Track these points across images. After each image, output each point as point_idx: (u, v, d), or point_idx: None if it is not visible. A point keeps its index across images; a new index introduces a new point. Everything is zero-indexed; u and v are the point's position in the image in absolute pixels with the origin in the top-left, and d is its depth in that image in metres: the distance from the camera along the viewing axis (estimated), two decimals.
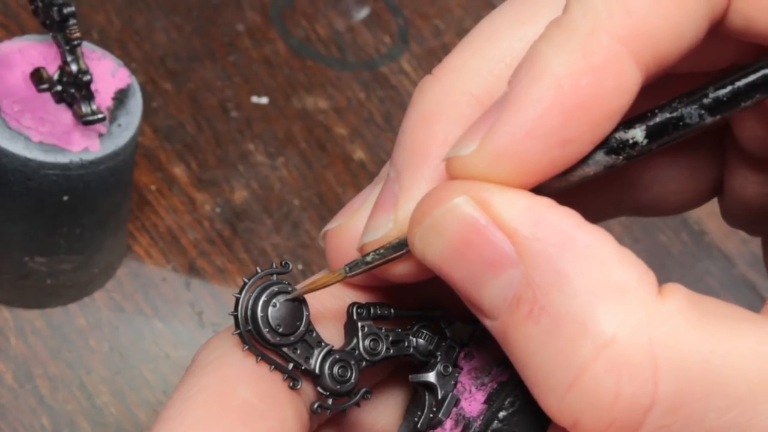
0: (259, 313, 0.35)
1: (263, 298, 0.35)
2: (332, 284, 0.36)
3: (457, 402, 0.36)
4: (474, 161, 0.31)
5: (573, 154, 0.31)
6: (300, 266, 0.82)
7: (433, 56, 0.94)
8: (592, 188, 0.36)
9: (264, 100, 0.89)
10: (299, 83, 0.91)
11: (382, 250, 0.35)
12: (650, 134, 0.31)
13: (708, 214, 0.93)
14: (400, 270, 0.35)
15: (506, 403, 0.35)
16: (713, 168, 0.40)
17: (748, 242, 0.92)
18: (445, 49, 0.94)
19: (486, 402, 0.35)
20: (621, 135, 0.32)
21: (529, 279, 0.30)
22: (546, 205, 0.31)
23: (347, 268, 0.36)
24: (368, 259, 0.35)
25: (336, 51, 0.94)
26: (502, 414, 0.35)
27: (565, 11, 0.31)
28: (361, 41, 0.95)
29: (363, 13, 0.96)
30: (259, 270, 0.36)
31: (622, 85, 0.31)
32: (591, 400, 0.29)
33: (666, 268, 0.90)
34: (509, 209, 0.30)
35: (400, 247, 0.34)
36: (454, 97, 0.35)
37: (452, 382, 0.37)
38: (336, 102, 0.91)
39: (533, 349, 0.30)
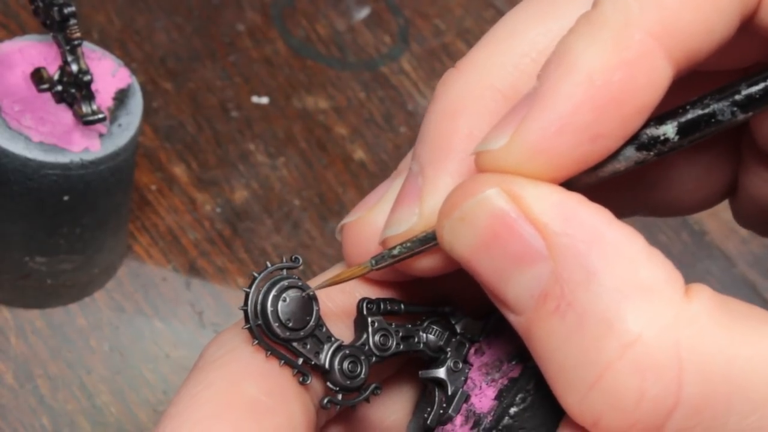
0: (269, 308, 0.35)
1: (273, 292, 0.35)
2: (357, 277, 0.36)
3: (467, 398, 0.36)
4: (504, 156, 0.31)
5: (604, 149, 0.31)
6: (301, 266, 0.82)
7: (433, 56, 0.94)
8: (611, 187, 0.35)
9: (264, 100, 0.89)
10: (299, 83, 0.91)
11: (408, 243, 0.34)
12: (681, 130, 0.31)
13: (708, 214, 0.93)
14: (425, 263, 0.35)
15: (517, 399, 0.35)
16: (728, 168, 0.40)
17: (748, 242, 0.92)
18: (446, 49, 0.94)
19: (496, 398, 0.35)
20: (652, 131, 0.32)
21: (557, 275, 0.30)
22: (577, 201, 0.30)
23: (373, 261, 0.35)
24: (395, 252, 0.35)
25: (336, 51, 0.94)
26: (513, 410, 0.35)
27: (594, 6, 0.31)
28: (361, 41, 0.95)
29: (363, 13, 0.96)
30: (269, 264, 0.35)
31: (654, 81, 0.30)
32: (613, 400, 0.29)
33: None
34: (540, 204, 0.30)
35: (427, 240, 0.34)
36: (478, 91, 0.35)
37: (462, 378, 0.37)
38: (336, 102, 0.91)
39: (557, 345, 0.30)
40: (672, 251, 0.91)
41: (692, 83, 0.34)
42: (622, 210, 0.41)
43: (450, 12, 0.98)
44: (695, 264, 0.91)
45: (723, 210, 0.43)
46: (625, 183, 0.39)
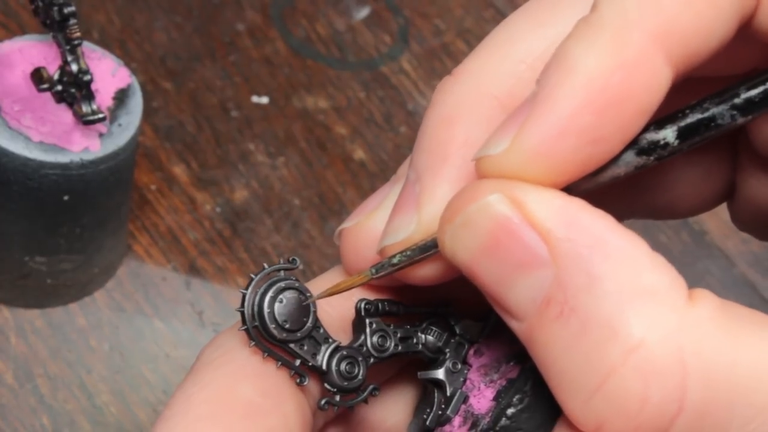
0: (266, 309, 0.35)
1: (270, 294, 0.35)
2: (357, 286, 0.36)
3: (465, 399, 0.36)
4: (505, 160, 0.31)
5: (604, 153, 0.31)
6: (300, 266, 0.82)
7: (433, 56, 0.94)
8: (609, 190, 0.35)
9: (264, 99, 0.89)
10: (299, 83, 0.91)
11: (408, 252, 0.34)
12: (681, 134, 0.31)
13: (708, 214, 0.93)
14: (425, 272, 0.35)
15: (515, 400, 0.35)
16: (725, 171, 0.40)
17: (748, 242, 0.92)
18: (446, 49, 0.94)
19: (495, 399, 0.35)
20: (652, 135, 0.31)
21: (560, 280, 0.30)
22: (579, 206, 0.30)
23: (373, 270, 0.35)
24: (395, 260, 0.35)
25: (336, 51, 0.94)
26: (510, 411, 0.35)
27: (593, 9, 0.31)
28: (361, 41, 0.95)
29: (363, 12, 0.96)
30: (266, 266, 0.35)
31: (653, 83, 0.30)
32: (617, 405, 0.29)
33: None
34: (543, 209, 0.30)
35: (427, 248, 0.34)
36: (474, 98, 0.35)
37: (461, 379, 0.36)
38: (336, 102, 0.91)
39: (560, 351, 0.30)
40: (672, 251, 0.91)
41: (692, 91, 0.34)
42: (619, 213, 0.41)
43: (450, 12, 0.98)
44: (695, 264, 0.91)
45: (723, 210, 0.43)
46: (623, 186, 0.39)
